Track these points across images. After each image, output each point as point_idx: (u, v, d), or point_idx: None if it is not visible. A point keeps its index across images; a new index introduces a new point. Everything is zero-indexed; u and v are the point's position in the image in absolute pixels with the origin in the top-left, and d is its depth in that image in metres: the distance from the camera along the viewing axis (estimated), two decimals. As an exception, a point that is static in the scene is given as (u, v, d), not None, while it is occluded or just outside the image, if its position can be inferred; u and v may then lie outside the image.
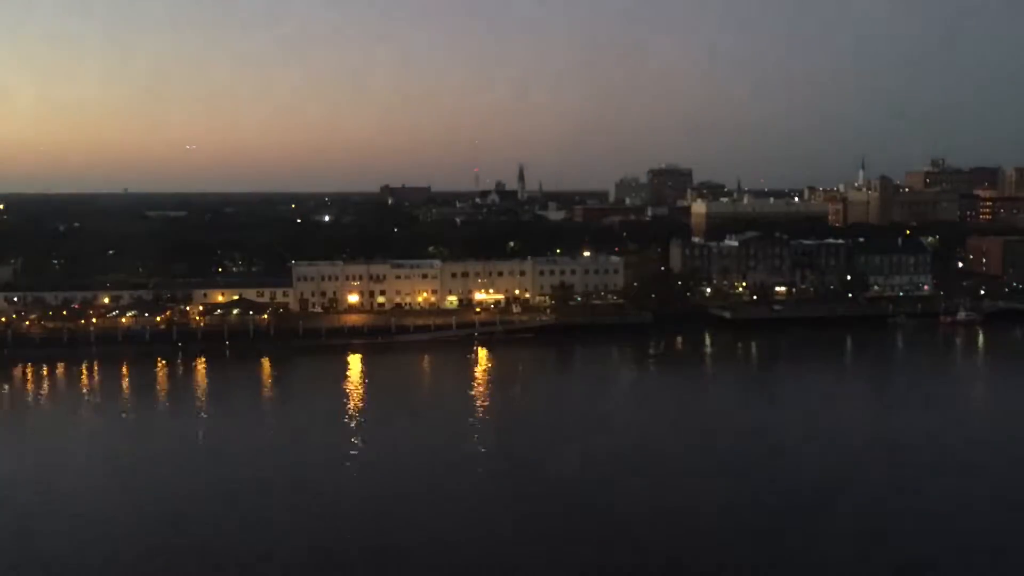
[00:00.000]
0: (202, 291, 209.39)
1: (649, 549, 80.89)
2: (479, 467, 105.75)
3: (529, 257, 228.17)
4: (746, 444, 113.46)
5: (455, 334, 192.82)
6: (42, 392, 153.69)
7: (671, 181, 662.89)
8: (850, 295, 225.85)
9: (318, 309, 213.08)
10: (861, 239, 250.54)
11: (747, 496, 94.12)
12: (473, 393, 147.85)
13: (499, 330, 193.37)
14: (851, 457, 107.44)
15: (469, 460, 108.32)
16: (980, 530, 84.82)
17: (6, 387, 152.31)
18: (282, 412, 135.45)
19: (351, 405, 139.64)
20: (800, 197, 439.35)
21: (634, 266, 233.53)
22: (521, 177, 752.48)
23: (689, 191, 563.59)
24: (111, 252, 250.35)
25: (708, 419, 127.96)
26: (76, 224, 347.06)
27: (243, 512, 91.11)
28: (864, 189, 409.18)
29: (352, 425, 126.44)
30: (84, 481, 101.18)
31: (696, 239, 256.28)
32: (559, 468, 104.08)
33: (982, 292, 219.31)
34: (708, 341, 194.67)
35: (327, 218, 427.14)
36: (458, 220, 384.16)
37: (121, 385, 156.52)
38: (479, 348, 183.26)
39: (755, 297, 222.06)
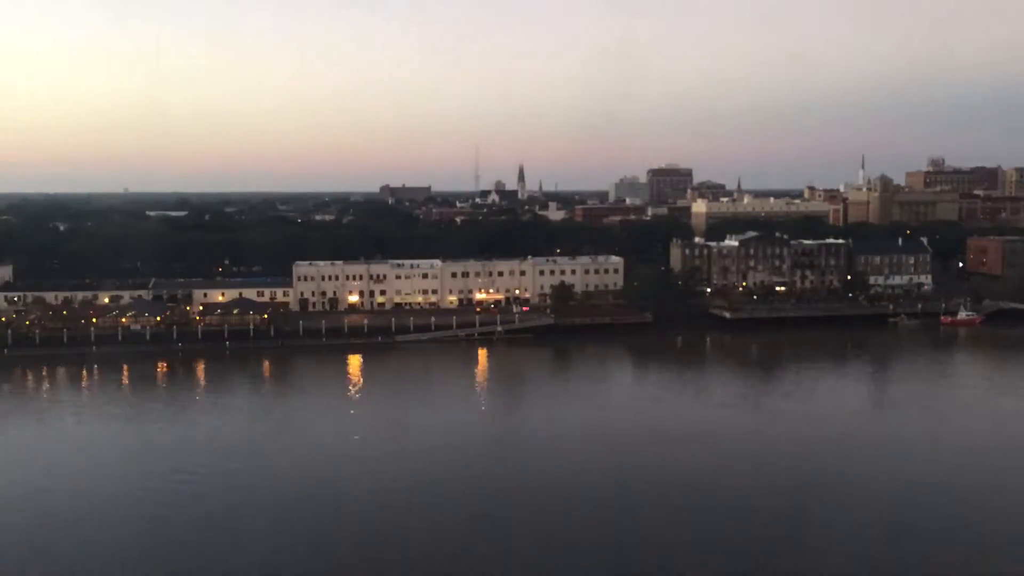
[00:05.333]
0: (202, 291, 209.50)
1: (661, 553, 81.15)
2: (482, 473, 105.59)
3: (529, 257, 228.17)
4: (747, 445, 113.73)
5: (455, 334, 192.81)
6: (42, 392, 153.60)
7: (671, 181, 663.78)
8: (850, 295, 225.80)
9: (318, 309, 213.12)
10: (861, 239, 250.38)
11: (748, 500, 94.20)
12: (473, 395, 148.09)
13: (499, 330, 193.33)
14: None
15: (470, 467, 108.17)
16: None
17: (6, 387, 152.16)
18: (282, 414, 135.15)
19: (352, 406, 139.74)
20: (800, 197, 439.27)
21: (634, 266, 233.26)
22: (521, 177, 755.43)
23: (689, 191, 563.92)
24: (111, 252, 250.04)
25: (710, 420, 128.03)
26: (76, 224, 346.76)
27: (236, 520, 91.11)
28: (864, 189, 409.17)
29: (352, 427, 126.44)
30: (82, 483, 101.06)
31: (696, 239, 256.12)
32: (561, 472, 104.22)
33: (981, 292, 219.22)
34: (708, 341, 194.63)
35: (327, 218, 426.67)
36: (458, 220, 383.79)
37: (121, 385, 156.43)
38: (479, 348, 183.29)
39: (755, 297, 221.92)
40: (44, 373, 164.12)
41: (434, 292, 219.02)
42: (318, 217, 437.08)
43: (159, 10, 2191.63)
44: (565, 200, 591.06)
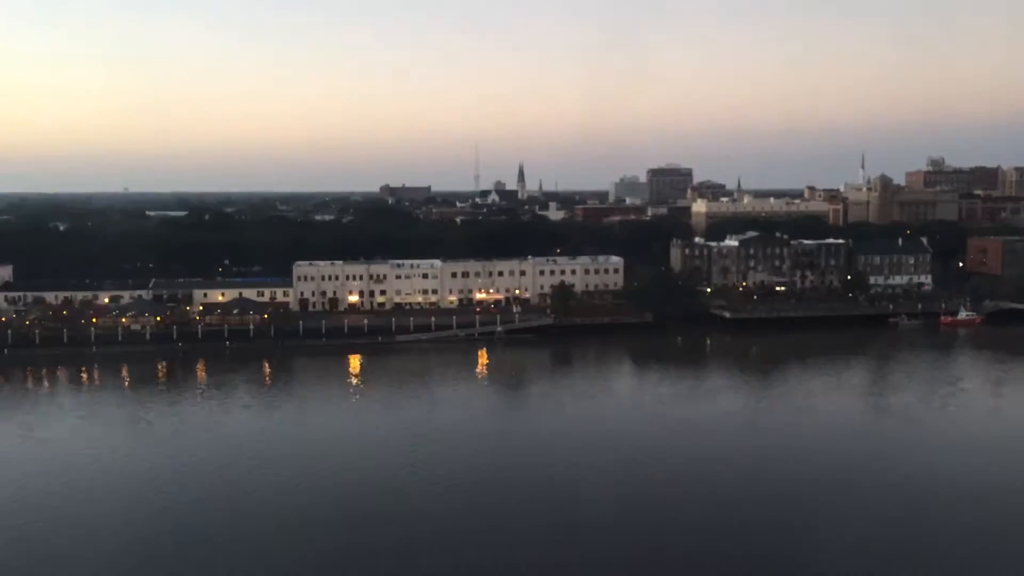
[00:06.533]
0: (202, 291, 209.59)
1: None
2: (480, 469, 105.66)
3: (529, 257, 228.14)
4: (746, 443, 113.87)
5: (455, 334, 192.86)
6: (41, 392, 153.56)
7: (671, 181, 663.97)
8: (850, 295, 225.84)
9: (318, 309, 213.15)
10: (861, 239, 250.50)
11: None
12: (473, 394, 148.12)
13: (499, 330, 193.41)
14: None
15: (470, 464, 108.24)
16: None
17: (6, 386, 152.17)
18: (281, 414, 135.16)
19: (352, 406, 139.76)
20: (800, 197, 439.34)
21: (634, 266, 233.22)
22: (521, 177, 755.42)
23: (689, 191, 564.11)
24: (111, 252, 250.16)
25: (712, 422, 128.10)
26: (76, 224, 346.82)
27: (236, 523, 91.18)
28: (864, 189, 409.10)
29: (352, 426, 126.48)
30: (83, 483, 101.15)
31: (696, 239, 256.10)
32: (563, 469, 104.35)
33: (981, 292, 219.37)
34: (708, 341, 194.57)
35: (327, 218, 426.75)
36: (458, 220, 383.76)
37: (121, 385, 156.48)
38: (479, 348, 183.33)
39: (755, 297, 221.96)
40: (44, 373, 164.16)
41: (434, 292, 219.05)
42: (318, 217, 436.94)
43: (160, 10, 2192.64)
44: (565, 200, 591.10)
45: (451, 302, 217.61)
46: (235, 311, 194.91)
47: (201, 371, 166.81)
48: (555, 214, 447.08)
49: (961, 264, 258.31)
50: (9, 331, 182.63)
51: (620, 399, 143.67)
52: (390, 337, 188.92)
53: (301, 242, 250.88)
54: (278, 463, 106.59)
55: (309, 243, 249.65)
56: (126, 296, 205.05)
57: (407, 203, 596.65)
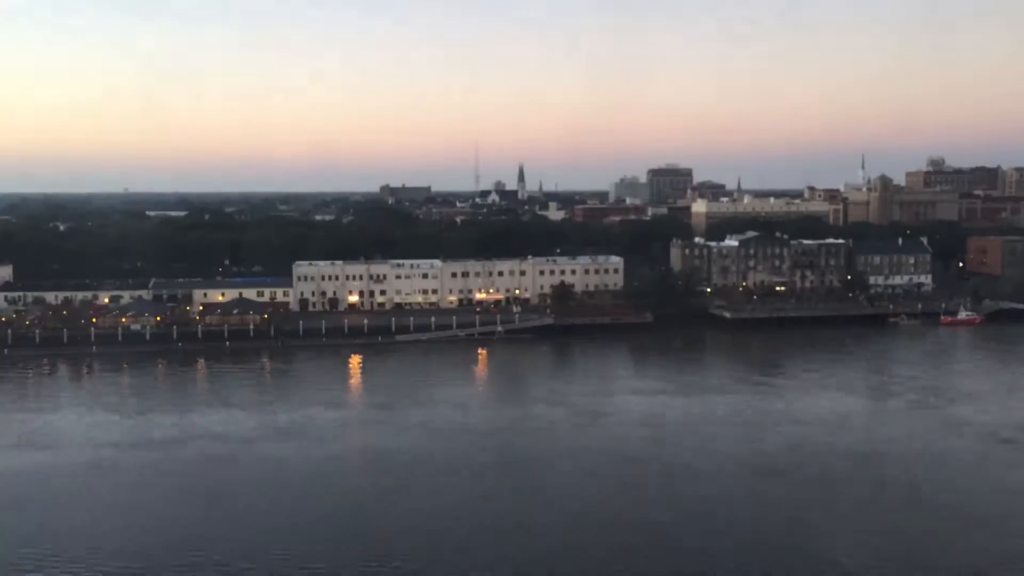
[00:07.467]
0: (202, 291, 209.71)
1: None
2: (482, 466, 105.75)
3: (529, 257, 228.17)
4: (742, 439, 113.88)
5: (455, 334, 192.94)
6: (40, 392, 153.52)
7: (671, 181, 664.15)
8: (850, 295, 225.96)
9: (318, 309, 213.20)
10: (861, 239, 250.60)
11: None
12: (475, 396, 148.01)
13: (499, 330, 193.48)
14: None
15: (471, 462, 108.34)
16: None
17: (6, 387, 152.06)
18: (281, 414, 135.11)
19: (352, 405, 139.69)
20: (800, 197, 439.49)
21: (634, 266, 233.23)
22: (521, 177, 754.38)
23: (689, 191, 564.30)
24: (111, 252, 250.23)
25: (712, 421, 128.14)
26: (76, 224, 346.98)
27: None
28: (864, 189, 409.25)
29: (352, 425, 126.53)
30: (81, 484, 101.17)
31: (696, 239, 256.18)
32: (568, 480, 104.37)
33: (981, 292, 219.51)
34: (708, 341, 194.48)
35: (327, 218, 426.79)
36: (458, 220, 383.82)
37: (120, 385, 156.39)
38: (479, 348, 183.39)
39: (755, 297, 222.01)
40: (44, 373, 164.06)
41: (434, 292, 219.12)
42: (318, 217, 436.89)
43: (160, 10, 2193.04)
44: (565, 200, 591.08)
45: (451, 302, 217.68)
46: (235, 311, 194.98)
47: (201, 371, 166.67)
48: (555, 214, 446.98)
49: (961, 264, 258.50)
50: (9, 331, 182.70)
51: (619, 399, 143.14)
52: (390, 337, 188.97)
53: (301, 242, 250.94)
54: (277, 463, 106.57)
55: (309, 243, 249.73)
56: (126, 296, 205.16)
57: (407, 203, 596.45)
